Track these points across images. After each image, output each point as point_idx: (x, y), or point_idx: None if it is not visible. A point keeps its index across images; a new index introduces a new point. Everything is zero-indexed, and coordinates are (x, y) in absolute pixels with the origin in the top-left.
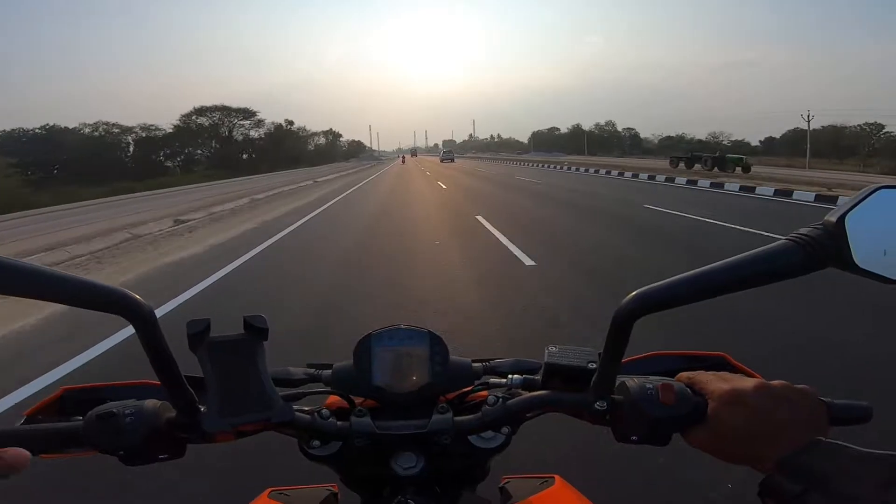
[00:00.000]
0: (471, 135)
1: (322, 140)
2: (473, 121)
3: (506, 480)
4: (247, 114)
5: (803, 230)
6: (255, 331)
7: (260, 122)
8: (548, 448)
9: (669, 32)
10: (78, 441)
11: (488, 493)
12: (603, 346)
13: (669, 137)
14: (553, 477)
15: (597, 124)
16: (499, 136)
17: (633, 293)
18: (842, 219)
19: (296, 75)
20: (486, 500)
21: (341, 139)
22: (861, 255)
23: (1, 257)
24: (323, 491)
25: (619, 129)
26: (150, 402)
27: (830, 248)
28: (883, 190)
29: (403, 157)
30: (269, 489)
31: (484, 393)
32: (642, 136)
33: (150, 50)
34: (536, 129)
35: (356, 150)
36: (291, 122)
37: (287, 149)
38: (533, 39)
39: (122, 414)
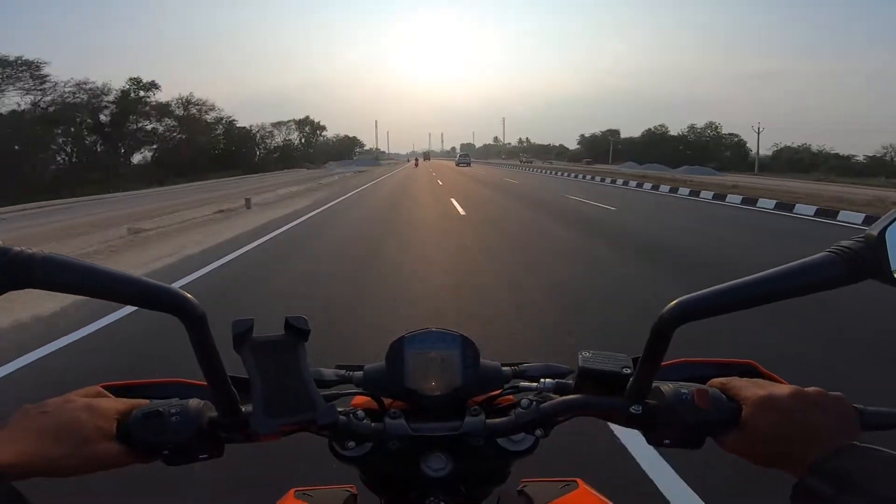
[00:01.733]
0: (496, 137)
1: (293, 136)
2: (504, 119)
3: (525, 483)
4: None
5: (844, 243)
6: (297, 331)
7: (164, 110)
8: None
9: (692, 37)
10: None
11: (508, 496)
12: (630, 351)
13: (789, 148)
14: (575, 481)
15: (692, 126)
16: (527, 139)
17: (675, 301)
18: (882, 232)
19: (310, 75)
20: (516, 501)
21: (325, 134)
22: None
23: (59, 255)
24: (343, 492)
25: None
26: (195, 402)
27: (870, 260)
28: None
29: (416, 161)
30: (294, 489)
31: (510, 397)
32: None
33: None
34: (589, 132)
35: (347, 149)
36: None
37: (224, 148)
38: (558, 44)
39: (168, 413)
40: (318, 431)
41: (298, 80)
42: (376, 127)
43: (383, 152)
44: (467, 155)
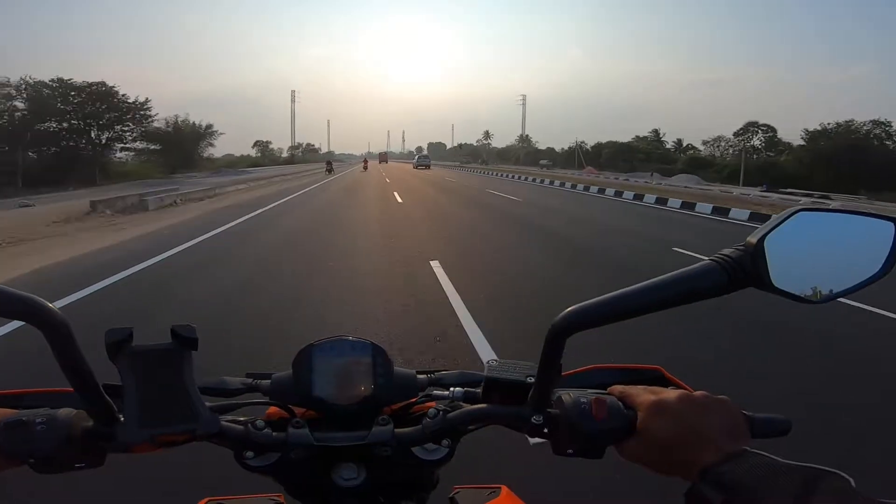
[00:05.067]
0: (460, 145)
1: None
2: (529, 115)
3: (456, 490)
4: None
5: (726, 251)
6: (184, 340)
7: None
8: (492, 459)
9: (656, 42)
10: None
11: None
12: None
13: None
14: (500, 487)
15: (637, 136)
16: (485, 141)
17: (565, 311)
18: (761, 240)
19: (262, 76)
20: None
21: (150, 110)
22: (777, 275)
23: None
24: (267, 501)
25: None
26: (65, 411)
27: (749, 268)
28: (802, 213)
29: (365, 163)
30: (207, 499)
31: (431, 404)
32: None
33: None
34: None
35: (192, 143)
36: None
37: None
38: (520, 49)
39: (33, 422)
40: (210, 441)
41: (253, 79)
42: (328, 127)
43: (333, 153)
44: (427, 156)
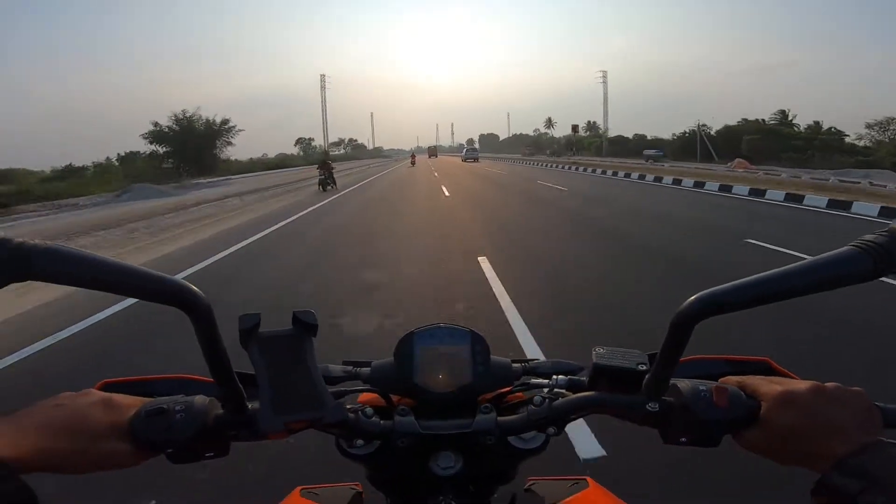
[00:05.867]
0: (539, 129)
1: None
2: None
3: (532, 482)
4: None
5: (868, 237)
6: (305, 326)
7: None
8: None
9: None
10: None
11: (521, 496)
12: (645, 348)
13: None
14: (584, 479)
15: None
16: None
17: (694, 296)
18: None
19: (311, 75)
20: (528, 501)
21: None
22: None
23: (61, 247)
24: (349, 490)
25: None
26: (200, 399)
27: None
28: None
29: (413, 158)
30: (300, 487)
31: (520, 394)
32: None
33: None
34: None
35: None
36: None
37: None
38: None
39: (173, 410)
40: (326, 429)
41: (299, 79)
42: (372, 120)
43: (381, 149)
44: (475, 150)
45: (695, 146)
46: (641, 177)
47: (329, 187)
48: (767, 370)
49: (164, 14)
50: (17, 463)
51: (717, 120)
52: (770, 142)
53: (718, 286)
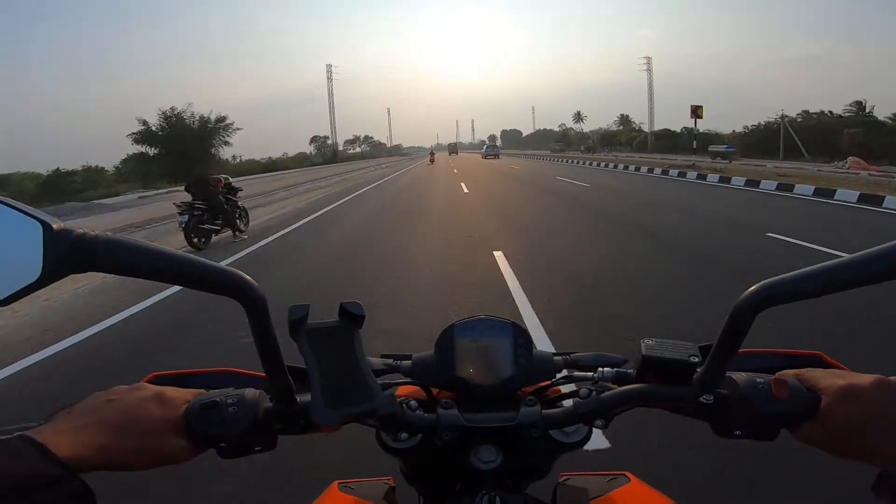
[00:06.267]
0: (565, 125)
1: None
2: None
3: (565, 477)
4: None
5: None
6: (352, 317)
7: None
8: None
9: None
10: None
11: (547, 489)
12: (690, 340)
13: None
14: (624, 474)
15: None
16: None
17: (756, 285)
18: None
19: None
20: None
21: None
22: None
23: (122, 238)
24: (383, 484)
25: None
26: (251, 392)
27: None
28: None
29: (432, 156)
30: (337, 481)
31: (557, 389)
32: None
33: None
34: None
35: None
36: None
37: None
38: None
39: (225, 404)
40: (372, 423)
41: (320, 77)
42: (389, 116)
43: (401, 146)
44: (495, 146)
45: (770, 141)
46: (725, 179)
47: (219, 234)
48: (820, 364)
49: (183, 17)
50: (77, 462)
51: (755, 114)
52: (879, 137)
53: (780, 276)
